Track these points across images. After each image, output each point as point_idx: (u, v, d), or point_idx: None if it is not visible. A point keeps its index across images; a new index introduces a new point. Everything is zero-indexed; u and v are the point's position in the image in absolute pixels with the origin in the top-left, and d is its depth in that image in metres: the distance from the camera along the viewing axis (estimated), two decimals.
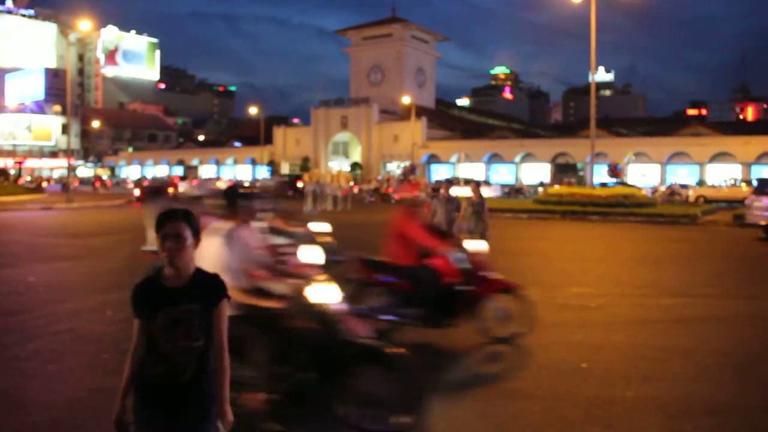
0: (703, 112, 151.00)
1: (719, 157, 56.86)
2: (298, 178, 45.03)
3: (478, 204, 11.38)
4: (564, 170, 63.12)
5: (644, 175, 57.08)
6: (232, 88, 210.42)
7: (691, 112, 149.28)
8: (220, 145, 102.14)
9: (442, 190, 11.16)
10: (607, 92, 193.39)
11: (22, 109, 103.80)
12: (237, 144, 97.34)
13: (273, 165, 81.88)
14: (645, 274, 12.20)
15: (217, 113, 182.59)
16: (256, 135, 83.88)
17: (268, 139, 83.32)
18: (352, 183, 44.72)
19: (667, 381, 5.72)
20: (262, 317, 4.22)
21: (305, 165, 79.02)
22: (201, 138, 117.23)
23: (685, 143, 59.93)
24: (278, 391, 4.23)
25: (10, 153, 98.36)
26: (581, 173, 60.74)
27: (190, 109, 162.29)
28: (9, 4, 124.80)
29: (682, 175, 55.78)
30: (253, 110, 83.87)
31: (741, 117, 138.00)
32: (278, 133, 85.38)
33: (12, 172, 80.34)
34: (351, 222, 22.85)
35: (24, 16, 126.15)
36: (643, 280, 11.40)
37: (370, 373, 4.31)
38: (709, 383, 5.71)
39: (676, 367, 6.13)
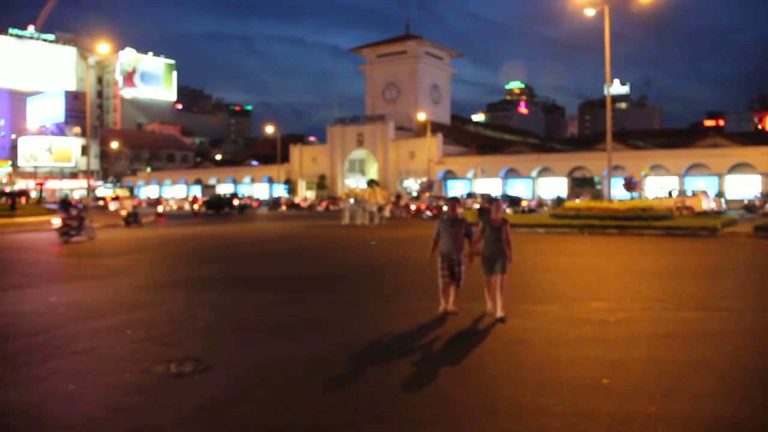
0: (721, 122, 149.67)
1: (738, 167, 56.36)
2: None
3: (498, 227, 8.83)
4: (581, 184, 62.87)
5: (662, 188, 56.69)
6: (249, 108, 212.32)
7: (709, 122, 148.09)
8: (237, 164, 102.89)
9: (445, 208, 10.25)
10: (623, 105, 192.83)
11: (43, 132, 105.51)
12: (254, 163, 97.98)
13: (290, 183, 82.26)
14: (665, 287, 12.06)
15: (233, 132, 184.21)
16: (272, 153, 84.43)
17: (285, 158, 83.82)
18: (390, 199, 46.40)
19: (691, 396, 5.63)
20: None
21: (322, 183, 79.38)
22: (218, 157, 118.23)
23: (703, 155, 59.50)
24: None
25: (32, 174, 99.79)
26: (598, 187, 60.44)
27: (207, 129, 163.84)
28: (31, 29, 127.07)
29: (701, 186, 55.30)
30: (269, 129, 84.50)
31: (760, 127, 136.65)
32: (294, 151, 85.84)
33: (33, 193, 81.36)
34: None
35: (45, 40, 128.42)
36: (663, 293, 11.27)
37: None
38: (734, 398, 5.61)
39: (700, 383, 6.03)
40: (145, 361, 6.89)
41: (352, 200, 37.42)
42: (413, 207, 43.79)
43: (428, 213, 29.75)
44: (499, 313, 8.79)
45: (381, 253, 19.40)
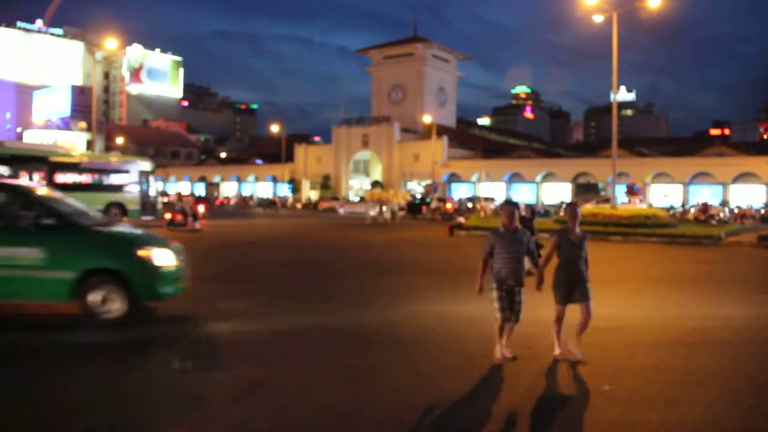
0: (726, 131, 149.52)
1: (743, 177, 56.23)
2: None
3: (579, 242, 7.08)
4: (585, 190, 62.76)
5: (666, 195, 56.60)
6: (254, 106, 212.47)
7: (714, 131, 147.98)
8: (242, 162, 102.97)
9: (503, 218, 6.93)
10: (629, 112, 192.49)
11: (48, 126, 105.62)
12: (258, 161, 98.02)
13: (294, 182, 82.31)
14: (668, 295, 12.02)
15: (239, 131, 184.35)
16: (277, 152, 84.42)
17: (290, 157, 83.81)
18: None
19: (693, 405, 5.60)
20: None
21: (326, 183, 79.38)
22: (223, 155, 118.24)
23: (708, 163, 59.35)
24: None
25: None
26: (602, 193, 60.35)
27: (213, 127, 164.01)
28: (39, 23, 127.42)
29: (705, 195, 55.21)
30: (274, 128, 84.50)
31: (765, 137, 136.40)
32: (299, 150, 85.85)
33: None
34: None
35: (53, 35, 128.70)
36: (666, 301, 11.24)
37: None
38: (738, 407, 5.58)
39: (702, 391, 6.00)
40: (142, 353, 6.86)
41: (375, 201, 41.03)
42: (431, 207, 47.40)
43: (460, 220, 29.81)
44: (578, 355, 6.96)
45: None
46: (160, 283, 8.53)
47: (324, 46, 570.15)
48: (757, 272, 16.38)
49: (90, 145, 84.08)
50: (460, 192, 69.34)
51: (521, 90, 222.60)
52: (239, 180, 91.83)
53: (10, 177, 24.81)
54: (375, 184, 75.44)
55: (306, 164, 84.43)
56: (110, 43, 42.33)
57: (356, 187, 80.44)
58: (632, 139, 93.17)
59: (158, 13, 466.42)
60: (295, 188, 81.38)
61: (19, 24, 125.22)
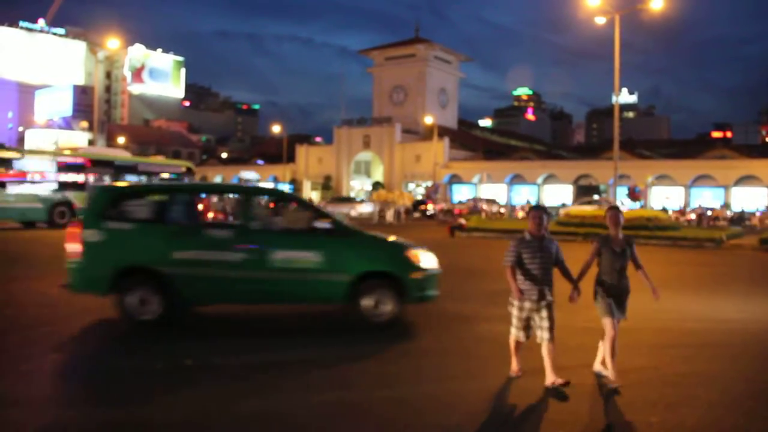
0: (728, 134, 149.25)
1: (745, 180, 56.20)
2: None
3: (622, 250, 6.84)
4: (586, 192, 62.74)
5: (668, 198, 56.54)
6: (256, 107, 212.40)
7: (716, 134, 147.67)
8: (243, 162, 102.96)
9: (530, 224, 6.37)
10: (631, 114, 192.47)
11: (50, 125, 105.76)
12: (260, 162, 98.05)
13: (295, 183, 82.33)
14: (669, 297, 11.98)
15: (240, 131, 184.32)
16: (278, 153, 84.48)
17: (291, 158, 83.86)
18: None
19: (693, 407, 5.60)
20: None
21: (327, 184, 79.40)
22: (224, 155, 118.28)
23: (710, 166, 59.32)
24: None
25: None
26: (603, 195, 60.33)
27: (214, 127, 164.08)
28: (41, 23, 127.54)
29: (707, 198, 55.16)
30: (276, 128, 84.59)
31: (767, 139, 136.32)
32: (301, 151, 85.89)
33: None
34: None
35: (55, 34, 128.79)
36: (666, 303, 11.18)
37: None
38: (737, 410, 5.58)
39: (702, 393, 6.00)
40: (143, 354, 6.87)
41: (381, 202, 42.74)
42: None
43: (461, 221, 30.08)
44: (616, 381, 6.10)
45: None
46: (428, 284, 8.71)
47: (325, 46, 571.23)
48: (758, 275, 16.35)
49: (91, 144, 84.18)
50: (461, 194, 69.31)
51: (523, 92, 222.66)
52: (240, 180, 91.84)
53: (89, 180, 28.38)
54: (376, 185, 75.44)
55: (307, 165, 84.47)
56: (112, 42, 42.46)
57: (357, 187, 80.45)
58: (634, 142, 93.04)
59: (160, 13, 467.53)
60: (297, 189, 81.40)
61: (22, 23, 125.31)
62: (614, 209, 6.66)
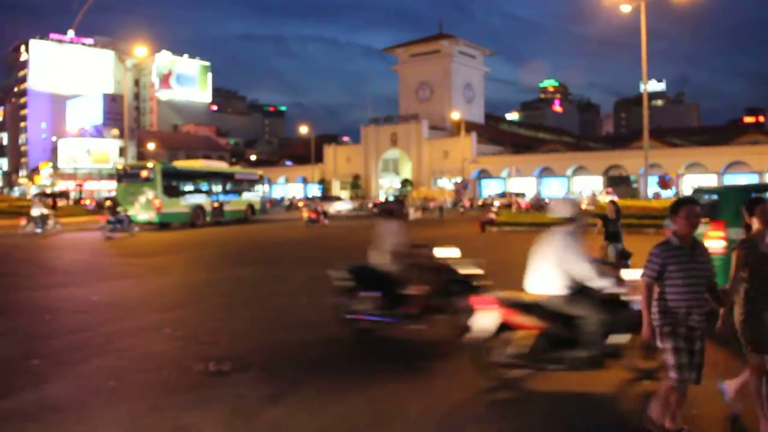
0: (761, 119, 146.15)
1: None
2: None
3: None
4: (617, 182, 62.07)
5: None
6: (283, 108, 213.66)
7: (748, 119, 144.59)
8: (272, 164, 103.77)
9: (680, 224, 4.40)
10: (659, 102, 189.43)
11: (82, 134, 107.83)
12: (288, 163, 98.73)
13: (324, 183, 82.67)
14: None
15: (267, 133, 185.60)
16: (306, 154, 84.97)
17: (319, 158, 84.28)
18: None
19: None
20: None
21: (356, 183, 79.63)
22: (253, 158, 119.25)
23: (742, 152, 58.27)
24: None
25: (71, 176, 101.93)
26: (635, 185, 59.59)
27: (242, 130, 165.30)
28: (71, 34, 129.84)
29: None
30: (303, 129, 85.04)
31: None
32: (329, 151, 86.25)
33: (73, 194, 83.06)
34: None
35: (84, 45, 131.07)
36: None
37: None
38: None
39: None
40: (184, 359, 6.99)
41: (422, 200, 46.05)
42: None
43: (491, 216, 29.13)
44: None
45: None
46: None
47: (349, 45, 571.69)
48: None
49: (122, 151, 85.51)
50: (489, 188, 69.02)
51: (549, 83, 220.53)
52: (270, 182, 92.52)
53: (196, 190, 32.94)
54: (405, 182, 75.48)
55: (335, 164, 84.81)
56: (140, 50, 43.03)
57: (386, 185, 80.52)
58: (663, 130, 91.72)
59: (185, 19, 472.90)
60: (326, 189, 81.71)
61: (52, 36, 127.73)
62: (764, 202, 4.70)
